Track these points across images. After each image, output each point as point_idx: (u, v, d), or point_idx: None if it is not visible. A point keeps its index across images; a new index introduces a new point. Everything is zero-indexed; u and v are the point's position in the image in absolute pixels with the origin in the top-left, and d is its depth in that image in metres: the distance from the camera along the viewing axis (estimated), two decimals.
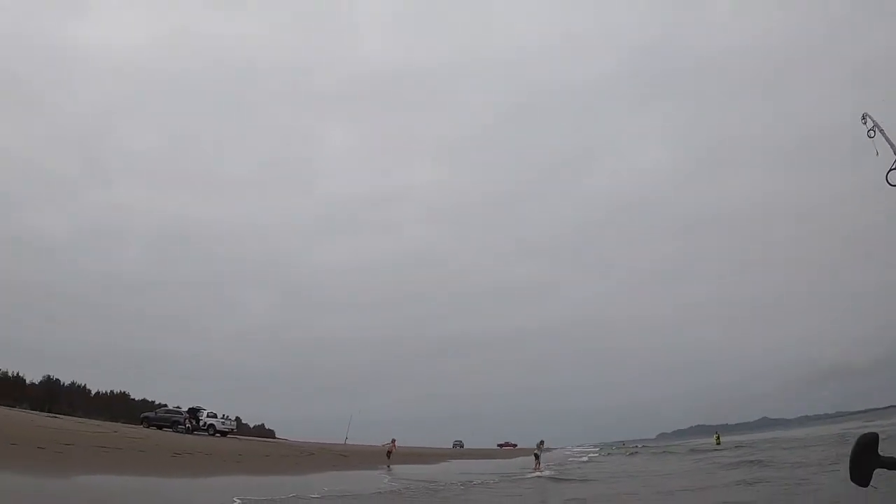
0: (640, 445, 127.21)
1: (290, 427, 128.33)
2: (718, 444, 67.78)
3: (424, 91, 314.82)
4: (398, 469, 39.04)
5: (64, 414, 62.57)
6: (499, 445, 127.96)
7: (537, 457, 42.71)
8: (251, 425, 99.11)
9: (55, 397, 79.84)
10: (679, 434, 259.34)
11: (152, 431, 49.40)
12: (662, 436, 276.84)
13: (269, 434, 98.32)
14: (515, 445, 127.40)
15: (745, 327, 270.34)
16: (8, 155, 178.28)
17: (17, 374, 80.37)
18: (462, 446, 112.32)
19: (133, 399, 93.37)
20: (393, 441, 50.36)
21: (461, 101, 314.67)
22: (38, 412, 57.54)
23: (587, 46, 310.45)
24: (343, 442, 72.18)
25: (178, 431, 53.71)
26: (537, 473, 36.90)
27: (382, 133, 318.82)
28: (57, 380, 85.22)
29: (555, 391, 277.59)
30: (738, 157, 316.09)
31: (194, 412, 58.35)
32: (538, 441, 46.21)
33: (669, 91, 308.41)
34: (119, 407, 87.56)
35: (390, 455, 48.01)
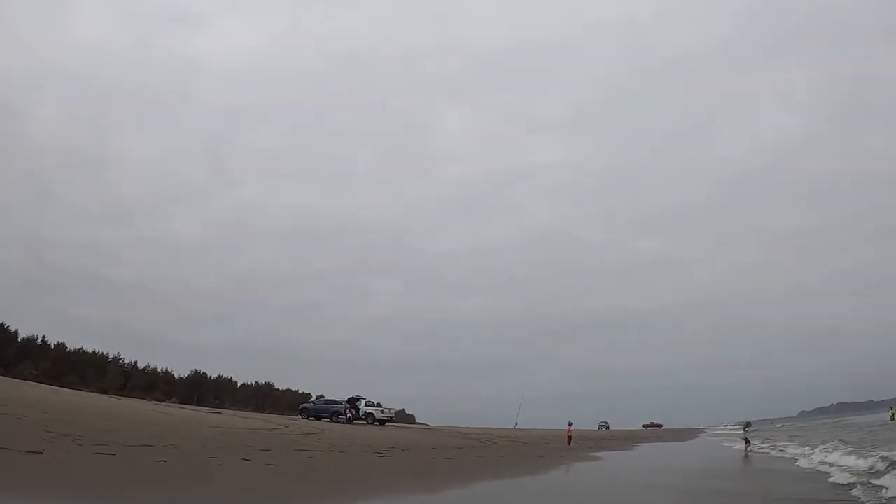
0: (781, 425, 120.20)
1: (428, 410, 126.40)
2: (893, 419, 64.59)
3: (537, 68, 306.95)
4: (610, 457, 33.39)
5: (211, 406, 61.92)
6: (644, 426, 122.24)
7: (747, 441, 38.59)
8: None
9: (203, 390, 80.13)
10: (822, 412, 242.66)
11: (316, 423, 47.00)
12: (803, 414, 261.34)
13: (410, 419, 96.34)
14: (661, 426, 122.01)
15: (889, 298, 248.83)
16: (140, 164, 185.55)
17: (167, 369, 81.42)
18: (608, 427, 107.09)
19: (277, 389, 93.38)
20: (570, 425, 47.31)
21: (574, 77, 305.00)
22: (187, 405, 57.06)
23: (698, 10, 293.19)
24: (513, 427, 68.65)
25: (337, 422, 51.10)
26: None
27: (498, 113, 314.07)
28: (204, 373, 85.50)
29: (686, 370, 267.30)
30: (871, 116, 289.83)
31: (353, 401, 56.05)
32: (744, 423, 42.12)
33: (789, 50, 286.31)
34: (265, 397, 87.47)
35: (570, 440, 44.14)
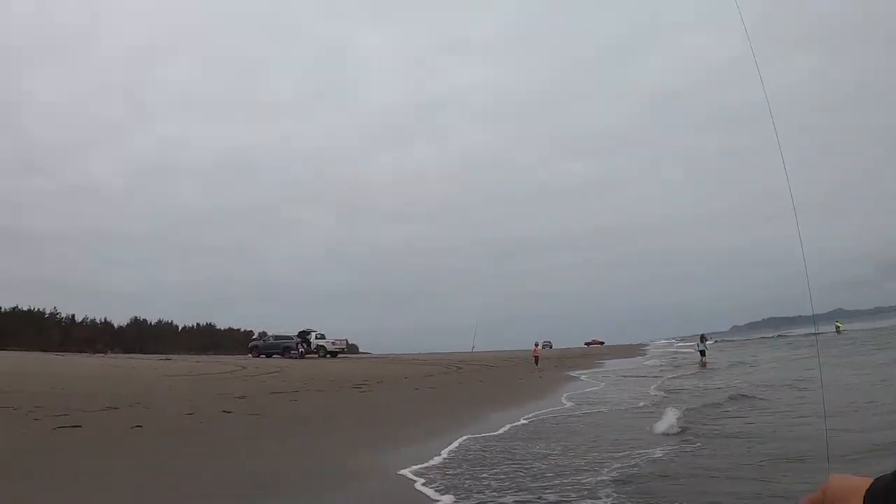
0: (716, 340, 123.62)
1: (368, 340, 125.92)
2: (839, 332, 66.08)
3: None
4: (593, 375, 32.35)
5: (154, 353, 59.52)
6: (586, 344, 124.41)
7: (703, 352, 40.18)
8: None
9: (144, 337, 77.17)
10: (753, 326, 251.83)
11: (269, 360, 45.70)
12: (736, 328, 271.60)
13: (353, 349, 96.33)
14: (603, 343, 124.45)
15: (811, 219, 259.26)
16: (54, 108, 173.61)
17: (105, 319, 78.26)
18: (551, 346, 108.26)
19: (219, 329, 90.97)
20: (537, 345, 47.15)
21: None
22: (132, 355, 54.63)
23: None
24: (471, 350, 68.34)
25: (290, 357, 49.66)
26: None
27: (419, 35, 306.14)
28: (144, 320, 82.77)
29: (622, 291, 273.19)
30: (796, 38, 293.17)
31: (304, 335, 54.42)
32: (699, 336, 43.42)
33: None
34: (207, 338, 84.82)
35: (538, 360, 43.57)
